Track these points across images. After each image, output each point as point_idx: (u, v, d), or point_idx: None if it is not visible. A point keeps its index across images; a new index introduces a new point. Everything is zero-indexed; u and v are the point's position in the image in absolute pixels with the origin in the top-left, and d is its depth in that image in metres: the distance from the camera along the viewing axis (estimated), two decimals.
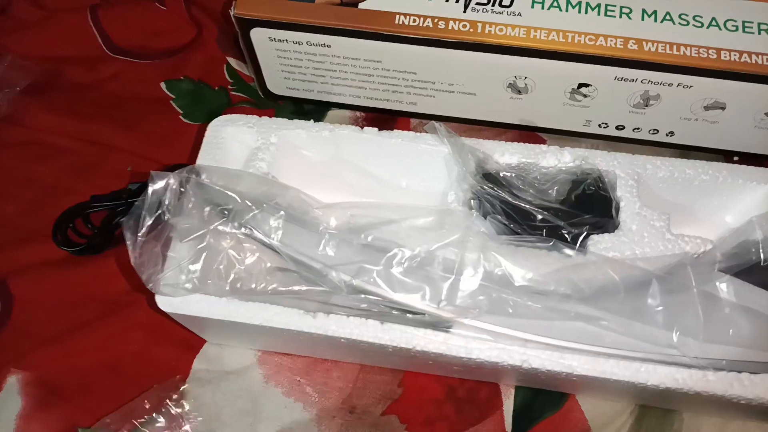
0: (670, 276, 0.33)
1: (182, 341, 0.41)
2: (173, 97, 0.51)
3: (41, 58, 0.52)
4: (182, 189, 0.33)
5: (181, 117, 0.50)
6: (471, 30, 0.41)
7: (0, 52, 0.51)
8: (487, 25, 0.41)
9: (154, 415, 0.38)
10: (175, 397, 0.38)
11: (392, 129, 0.40)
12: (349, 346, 0.35)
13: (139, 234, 0.31)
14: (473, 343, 0.33)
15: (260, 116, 0.40)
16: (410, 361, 0.38)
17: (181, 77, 0.52)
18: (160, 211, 0.32)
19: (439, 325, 0.33)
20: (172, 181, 0.32)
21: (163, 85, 0.52)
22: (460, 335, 0.33)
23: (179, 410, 0.38)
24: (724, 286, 0.33)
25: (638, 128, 0.45)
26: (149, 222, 0.32)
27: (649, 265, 0.33)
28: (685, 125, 0.43)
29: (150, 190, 0.32)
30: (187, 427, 0.39)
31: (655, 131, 0.45)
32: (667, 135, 0.45)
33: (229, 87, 0.52)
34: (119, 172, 0.47)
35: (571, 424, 0.39)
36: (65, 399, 0.40)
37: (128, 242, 0.32)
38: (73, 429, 0.39)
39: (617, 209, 0.36)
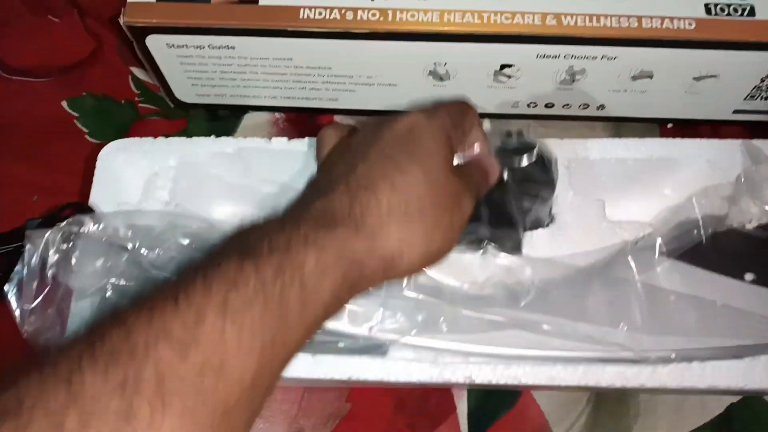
0: (610, 269, 0.31)
1: None
2: (76, 115, 0.47)
3: None
4: (66, 244, 0.29)
5: (86, 136, 0.47)
6: (381, 18, 0.38)
7: None
8: (398, 12, 0.38)
9: None
10: None
11: (315, 127, 0.38)
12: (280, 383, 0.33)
13: (26, 302, 0.28)
14: (413, 365, 0.31)
15: (167, 131, 0.37)
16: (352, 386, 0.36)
17: (83, 93, 0.48)
18: (43, 272, 0.28)
19: (374, 350, 0.31)
20: (51, 236, 0.29)
21: (64, 103, 0.48)
22: (399, 358, 0.31)
23: None
24: (666, 272, 0.31)
25: (568, 104, 0.43)
26: (34, 286, 0.28)
27: (587, 259, 0.32)
28: (614, 97, 0.42)
29: (28, 252, 0.28)
30: None
31: (586, 106, 0.43)
32: (598, 109, 0.43)
33: (137, 99, 0.48)
34: (23, 205, 0.44)
35: (528, 420, 0.38)
36: None
37: (16, 313, 0.28)
38: None
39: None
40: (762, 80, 0.39)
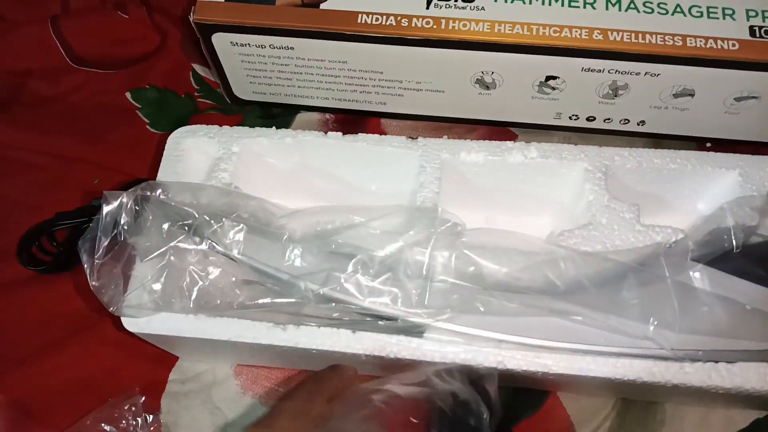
0: (644, 267, 0.32)
1: (156, 356, 0.41)
2: (139, 106, 0.50)
3: (2, 73, 0.51)
4: (137, 207, 0.32)
5: (147, 126, 0.50)
6: (434, 26, 0.40)
7: None
8: (451, 21, 0.40)
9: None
10: (133, 409, 0.38)
11: (363, 129, 0.40)
12: (323, 357, 0.34)
13: (96, 256, 0.31)
14: (447, 347, 0.32)
15: (223, 125, 0.40)
16: (387, 368, 0.37)
17: (147, 86, 0.51)
18: (116, 231, 0.31)
19: (412, 330, 0.33)
20: (125, 199, 0.31)
21: (128, 94, 0.51)
22: (434, 339, 0.32)
23: (138, 421, 0.37)
24: (698, 275, 0.32)
25: (609, 119, 0.44)
26: (105, 243, 0.31)
27: (621, 257, 0.33)
28: (655, 114, 0.43)
29: (104, 210, 0.31)
30: None
31: (626, 121, 0.44)
32: (638, 124, 0.44)
33: (196, 94, 0.51)
34: (86, 186, 0.47)
35: (554, 421, 0.39)
36: (39, 420, 0.40)
37: (85, 265, 0.31)
38: None
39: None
40: None
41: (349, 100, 0.47)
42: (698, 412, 0.39)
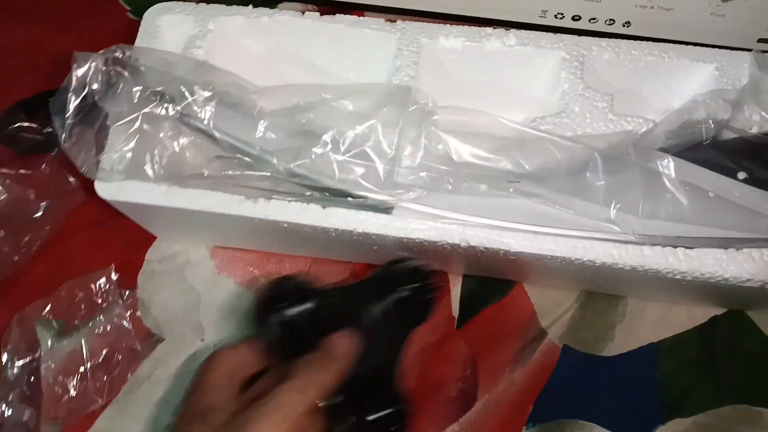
0: (611, 153, 0.33)
1: (134, 237, 0.41)
2: None
3: None
4: (110, 70, 0.32)
5: (128, 14, 0.49)
6: None
7: None
8: None
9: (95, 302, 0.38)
10: (107, 283, 0.39)
11: None
12: (294, 235, 0.35)
13: (67, 116, 0.31)
14: (413, 224, 0.33)
15: (197, 3, 0.39)
16: (357, 251, 0.38)
17: None
18: (86, 92, 0.31)
19: (380, 207, 0.33)
20: (98, 61, 0.31)
21: None
22: (401, 217, 0.33)
23: (111, 293, 0.38)
24: (664, 163, 0.33)
25: (594, 18, 0.44)
26: (76, 103, 0.31)
27: (590, 143, 0.33)
28: (641, 13, 0.42)
29: (74, 71, 0.31)
30: (138, 313, 0.39)
31: (612, 21, 0.44)
32: (623, 25, 0.44)
33: None
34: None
35: (518, 309, 0.40)
36: (19, 294, 0.41)
37: (56, 125, 0.31)
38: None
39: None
40: None
41: None
42: (659, 307, 0.40)
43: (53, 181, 0.42)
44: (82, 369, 0.37)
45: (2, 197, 0.40)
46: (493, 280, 0.40)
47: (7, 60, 0.47)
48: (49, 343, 0.39)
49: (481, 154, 0.33)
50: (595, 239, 0.32)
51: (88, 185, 0.41)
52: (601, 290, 0.40)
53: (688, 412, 0.37)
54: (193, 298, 0.41)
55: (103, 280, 0.38)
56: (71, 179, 0.42)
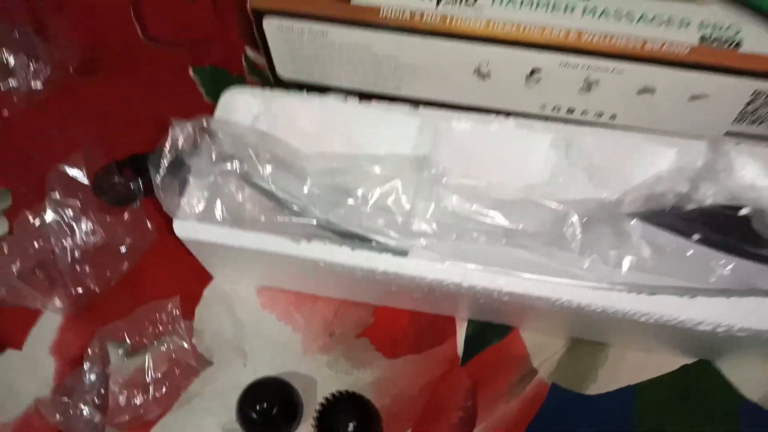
0: (588, 215, 0.40)
1: (196, 274, 0.50)
2: (199, 80, 0.61)
3: (88, 46, 0.62)
4: (196, 135, 0.41)
5: (203, 97, 0.60)
6: (441, 21, 0.49)
7: (59, 40, 0.61)
8: (455, 18, 0.49)
9: (159, 327, 0.46)
10: (173, 310, 0.47)
11: None
12: (328, 273, 0.43)
13: (161, 169, 0.40)
14: (424, 265, 0.40)
15: (263, 89, 0.49)
16: (377, 291, 0.46)
17: (206, 65, 0.61)
18: (177, 151, 0.40)
19: (397, 250, 0.41)
20: (188, 127, 0.41)
21: (190, 69, 0.61)
22: (414, 260, 0.41)
23: (176, 319, 0.46)
24: (632, 225, 0.40)
25: (586, 111, 0.52)
26: (169, 159, 0.40)
27: (572, 207, 0.41)
28: (624, 108, 0.51)
29: (170, 133, 0.41)
30: (193, 340, 0.47)
31: (600, 114, 0.52)
32: (610, 118, 0.52)
33: (246, 73, 0.61)
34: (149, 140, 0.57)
35: (513, 350, 0.46)
36: (100, 308, 0.49)
37: (152, 175, 0.40)
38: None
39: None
40: (747, 105, 0.48)
41: (369, 83, 0.56)
42: (637, 355, 0.46)
43: (134, 227, 0.51)
44: (146, 380, 0.45)
45: (93, 239, 0.49)
46: (493, 325, 0.47)
47: (107, 121, 0.58)
48: (118, 360, 0.46)
49: (482, 212, 0.41)
50: (572, 284, 0.39)
51: (162, 231, 0.51)
52: (585, 337, 0.46)
53: None
54: (240, 329, 0.48)
55: (169, 306, 0.47)
56: (149, 225, 0.51)
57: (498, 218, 0.41)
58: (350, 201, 0.42)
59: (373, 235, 0.41)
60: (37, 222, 0.48)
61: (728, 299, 0.38)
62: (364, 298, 0.49)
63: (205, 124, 0.42)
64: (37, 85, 0.59)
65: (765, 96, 0.46)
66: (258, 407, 0.42)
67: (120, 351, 0.47)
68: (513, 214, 0.41)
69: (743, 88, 0.47)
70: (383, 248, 0.41)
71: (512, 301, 0.41)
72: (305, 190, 0.42)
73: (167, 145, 0.40)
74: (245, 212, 0.43)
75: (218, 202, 0.42)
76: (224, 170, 0.42)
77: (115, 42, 0.63)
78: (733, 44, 0.46)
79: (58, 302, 0.48)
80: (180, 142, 0.41)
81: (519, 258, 0.40)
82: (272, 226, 0.42)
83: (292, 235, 0.42)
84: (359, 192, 0.42)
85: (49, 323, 0.49)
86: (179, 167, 0.41)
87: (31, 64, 0.59)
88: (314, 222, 0.42)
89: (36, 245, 0.48)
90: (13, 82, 0.59)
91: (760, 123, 0.49)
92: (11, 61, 0.59)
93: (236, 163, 0.42)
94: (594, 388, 0.45)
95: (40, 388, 0.47)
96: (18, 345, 0.49)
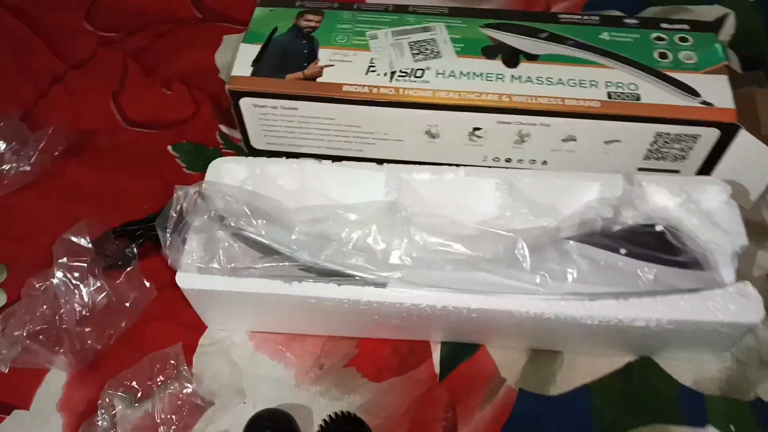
0: (533, 241, 0.48)
1: (192, 326, 0.55)
2: (177, 155, 0.67)
3: (75, 130, 0.68)
4: (195, 198, 0.48)
5: (184, 169, 0.66)
6: (395, 93, 0.58)
7: (43, 125, 0.67)
8: (406, 89, 0.58)
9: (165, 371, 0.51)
10: (177, 356, 0.51)
11: None
12: (317, 309, 0.49)
13: (168, 228, 0.46)
14: (402, 293, 0.47)
15: (247, 157, 0.56)
16: (362, 322, 0.52)
17: (184, 141, 0.68)
18: (179, 211, 0.47)
19: (378, 282, 0.48)
20: (191, 191, 0.48)
21: (169, 147, 0.68)
22: (393, 289, 0.48)
23: (179, 365, 0.51)
24: (570, 246, 0.49)
25: (521, 160, 0.62)
26: (175, 218, 0.46)
27: (519, 234, 0.49)
28: (553, 155, 0.61)
29: (175, 196, 0.47)
30: (193, 385, 0.51)
31: (534, 161, 0.62)
32: (542, 164, 0.62)
33: (221, 146, 0.68)
34: (138, 210, 0.62)
35: (483, 365, 0.53)
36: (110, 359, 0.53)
37: (159, 233, 0.46)
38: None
39: None
40: (651, 145, 0.58)
41: (335, 148, 0.64)
42: (587, 359, 0.53)
43: (131, 288, 0.56)
44: (156, 422, 0.49)
45: (96, 300, 0.54)
46: (463, 344, 0.54)
47: (94, 200, 0.63)
48: (125, 408, 0.50)
49: (447, 244, 0.49)
50: (527, 297, 0.47)
51: (160, 289, 0.56)
52: (543, 347, 0.53)
53: None
54: (236, 370, 0.53)
55: (173, 353, 0.51)
56: (147, 284, 0.56)
57: (460, 248, 0.48)
58: (333, 244, 0.48)
59: (355, 272, 0.48)
60: (42, 287, 0.52)
61: (655, 298, 0.47)
62: (348, 332, 0.55)
63: (200, 187, 0.48)
64: (25, 168, 0.65)
65: (664, 137, 0.57)
66: None
67: (126, 400, 0.50)
68: (472, 244, 0.48)
69: (647, 131, 0.57)
70: (365, 282, 0.48)
71: (479, 318, 0.48)
72: (293, 237, 0.49)
73: (172, 206, 0.46)
74: (240, 261, 0.49)
75: (216, 255, 0.48)
76: (220, 226, 0.48)
77: (97, 126, 0.69)
78: (634, 98, 0.57)
79: (64, 360, 0.52)
80: (183, 204, 0.47)
81: (481, 280, 0.48)
82: (266, 271, 0.49)
83: (284, 278, 0.48)
84: (341, 236, 0.49)
85: (55, 382, 0.53)
86: (181, 225, 0.47)
87: (19, 149, 0.65)
88: (304, 264, 0.48)
89: (42, 309, 0.52)
90: (3, 167, 0.64)
91: (664, 159, 0.59)
92: (0, 147, 0.65)
93: (230, 220, 0.48)
94: (555, 390, 0.52)
95: None
96: (25, 405, 0.52)
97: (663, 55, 0.59)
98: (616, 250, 0.49)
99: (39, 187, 0.65)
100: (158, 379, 0.51)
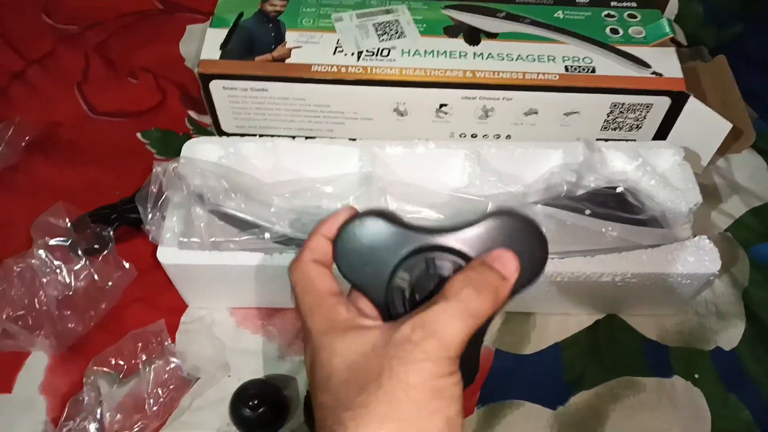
0: (502, 205, 0.51)
1: (172, 307, 0.55)
2: (147, 142, 0.68)
3: (40, 123, 0.68)
4: (173, 174, 0.49)
5: (155, 155, 0.67)
6: (363, 72, 0.60)
7: (7, 118, 0.66)
8: (374, 68, 0.60)
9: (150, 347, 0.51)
10: (160, 334, 0.52)
11: None
12: None
13: (148, 204, 0.47)
14: None
15: (221, 137, 0.57)
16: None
17: (152, 128, 0.69)
18: (158, 187, 0.47)
19: None
20: (170, 167, 0.48)
21: (138, 134, 0.68)
22: None
23: (163, 341, 0.52)
24: (537, 209, 0.51)
25: (486, 135, 0.64)
26: (155, 193, 0.47)
27: (488, 200, 0.51)
28: (516, 129, 0.63)
29: (154, 171, 0.48)
30: (178, 360, 0.52)
31: (498, 136, 0.64)
32: (506, 138, 0.64)
33: (191, 132, 0.68)
34: (111, 198, 0.62)
35: None
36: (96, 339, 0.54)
37: (140, 209, 0.47)
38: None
39: None
40: (608, 115, 0.61)
41: (306, 129, 0.65)
42: (559, 318, 0.56)
43: (109, 269, 0.56)
44: (143, 396, 0.49)
45: (76, 283, 0.54)
46: None
47: (64, 193, 0.63)
48: (108, 387, 0.50)
49: (423, 211, 0.50)
50: None
51: (139, 273, 0.56)
52: (516, 309, 0.56)
53: (587, 387, 0.52)
54: (220, 346, 0.54)
55: (156, 329, 0.52)
56: (126, 264, 0.56)
57: (434, 215, 0.50)
58: (312, 217, 0.50)
59: None
60: (18, 270, 0.52)
61: (619, 254, 0.50)
62: None
63: (177, 163, 0.49)
64: None
65: (620, 107, 0.60)
66: (250, 404, 0.48)
67: (112, 377, 0.51)
68: (445, 209, 0.50)
69: (603, 102, 0.61)
70: None
71: None
72: (272, 210, 0.50)
73: (151, 181, 0.47)
74: (220, 237, 0.50)
75: (195, 230, 0.49)
76: (199, 202, 0.49)
77: (63, 119, 0.69)
78: (590, 70, 0.60)
79: (45, 342, 0.52)
80: (162, 180, 0.48)
81: None
82: (246, 244, 0.50)
83: (265, 251, 0.50)
84: (319, 208, 0.50)
85: (36, 365, 0.52)
86: (161, 201, 0.48)
87: None
88: (283, 237, 0.50)
89: (21, 291, 0.52)
90: None
91: (620, 129, 0.62)
92: None
93: (209, 195, 0.49)
94: (529, 348, 0.54)
95: (35, 426, 0.50)
96: (7, 389, 0.51)
97: (614, 31, 0.63)
98: (581, 212, 0.52)
99: (5, 181, 0.64)
100: (142, 356, 0.51)
